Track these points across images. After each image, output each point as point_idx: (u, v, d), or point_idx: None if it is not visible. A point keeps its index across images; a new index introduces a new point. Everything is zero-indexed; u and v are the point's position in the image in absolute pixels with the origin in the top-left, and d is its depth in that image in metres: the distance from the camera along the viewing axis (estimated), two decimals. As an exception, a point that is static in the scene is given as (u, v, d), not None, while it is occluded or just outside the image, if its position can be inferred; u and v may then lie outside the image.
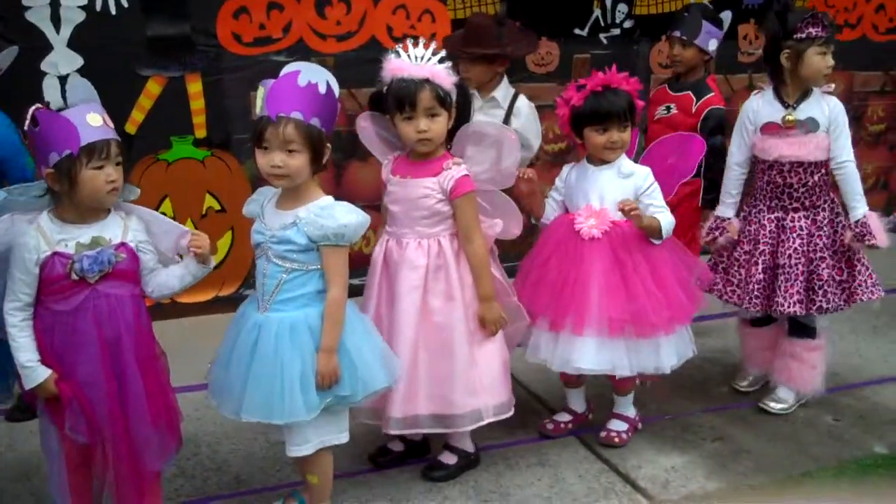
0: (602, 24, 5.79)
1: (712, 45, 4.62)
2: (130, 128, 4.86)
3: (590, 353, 3.56)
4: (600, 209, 3.62)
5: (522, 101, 4.30)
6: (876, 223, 3.92)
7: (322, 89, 2.94)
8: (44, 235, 2.78)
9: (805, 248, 3.96)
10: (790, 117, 3.92)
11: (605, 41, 5.82)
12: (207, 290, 5.18)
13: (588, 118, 3.60)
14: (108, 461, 2.89)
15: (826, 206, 4.01)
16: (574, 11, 5.67)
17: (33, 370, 2.79)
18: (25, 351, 2.80)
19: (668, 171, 3.75)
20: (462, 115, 3.44)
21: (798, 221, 3.98)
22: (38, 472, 3.54)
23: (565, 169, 3.82)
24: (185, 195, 5.06)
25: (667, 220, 3.61)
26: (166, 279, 2.99)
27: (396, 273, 3.37)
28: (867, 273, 4.02)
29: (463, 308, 3.37)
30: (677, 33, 4.61)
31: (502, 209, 3.49)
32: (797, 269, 3.93)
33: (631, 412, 3.92)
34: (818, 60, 3.87)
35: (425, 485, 3.54)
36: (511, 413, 3.52)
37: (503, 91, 4.31)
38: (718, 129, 4.50)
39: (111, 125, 2.81)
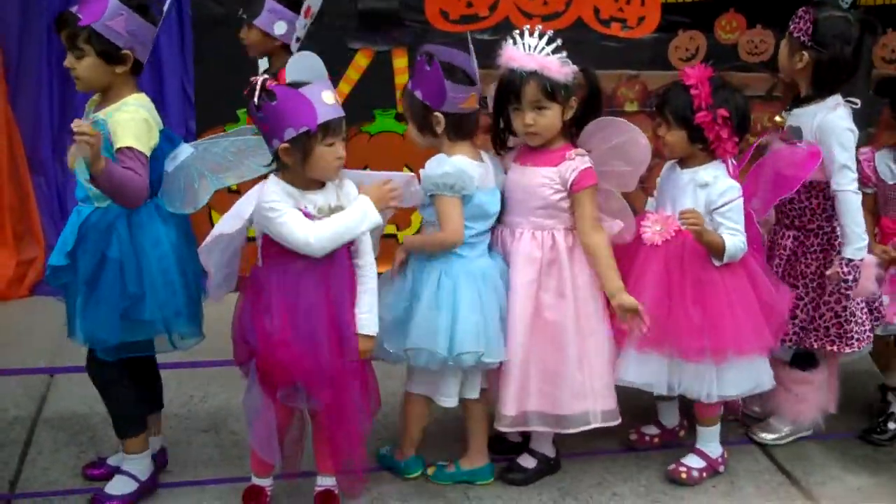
0: (823, 13, 5.46)
1: None
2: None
3: (631, 366, 3.30)
4: (669, 215, 3.34)
5: None
6: (868, 271, 3.37)
7: (427, 64, 3.11)
8: (289, 194, 2.89)
9: (784, 272, 3.54)
10: (778, 118, 3.49)
11: (823, 31, 5.49)
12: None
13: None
14: (310, 420, 3.09)
15: (821, 232, 3.53)
16: (793, -1, 5.42)
17: None
18: None
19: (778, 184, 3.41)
20: (590, 105, 3.28)
21: (786, 240, 3.57)
22: (224, 426, 3.73)
23: (667, 164, 3.53)
24: (384, 167, 5.05)
25: (734, 243, 3.25)
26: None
27: (510, 264, 3.29)
28: (833, 320, 3.50)
29: (574, 307, 3.24)
30: None
31: (617, 212, 3.34)
32: None
33: (713, 450, 3.53)
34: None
35: (594, 478, 3.50)
36: (619, 421, 3.36)
37: None
38: None
39: (339, 102, 2.90)
